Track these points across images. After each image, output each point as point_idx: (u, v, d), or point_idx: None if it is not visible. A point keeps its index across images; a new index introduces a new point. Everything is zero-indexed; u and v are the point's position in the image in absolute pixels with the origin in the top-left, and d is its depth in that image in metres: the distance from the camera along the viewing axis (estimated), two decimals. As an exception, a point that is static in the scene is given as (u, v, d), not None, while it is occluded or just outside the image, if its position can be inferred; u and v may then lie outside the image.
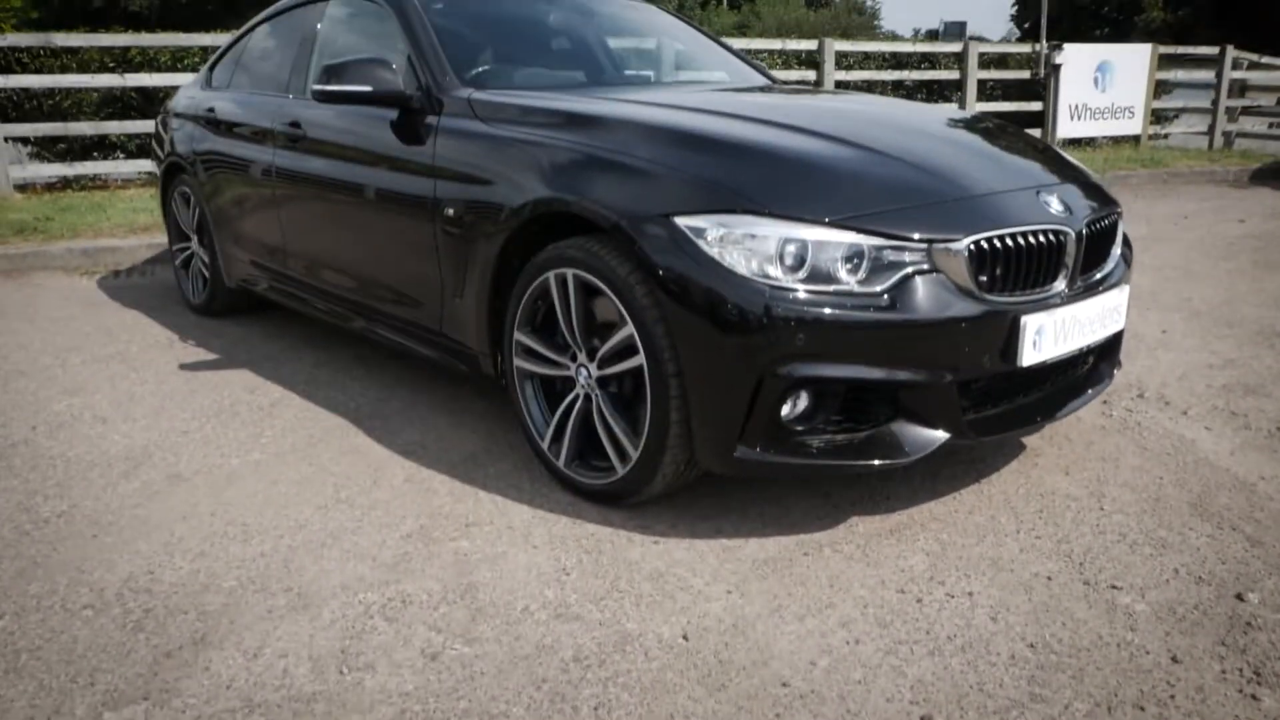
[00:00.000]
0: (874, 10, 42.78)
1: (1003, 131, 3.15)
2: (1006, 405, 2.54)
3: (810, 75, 9.87)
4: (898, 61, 10.73)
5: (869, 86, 10.66)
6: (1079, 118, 11.17)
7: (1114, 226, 2.77)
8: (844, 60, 10.33)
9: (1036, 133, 11.47)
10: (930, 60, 10.87)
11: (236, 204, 4.11)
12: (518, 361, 2.75)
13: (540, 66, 3.63)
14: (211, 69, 4.68)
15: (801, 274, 2.21)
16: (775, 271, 2.20)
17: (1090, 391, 2.75)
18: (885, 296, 2.23)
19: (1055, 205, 2.52)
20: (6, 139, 7.08)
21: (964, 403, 2.40)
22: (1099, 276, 2.64)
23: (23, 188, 7.41)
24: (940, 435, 2.37)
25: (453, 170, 2.88)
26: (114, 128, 7.46)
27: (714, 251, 2.22)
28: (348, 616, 2.11)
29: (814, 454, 2.31)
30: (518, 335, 2.72)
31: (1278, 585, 2.22)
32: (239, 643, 2.02)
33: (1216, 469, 2.86)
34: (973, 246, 2.30)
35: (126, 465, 2.92)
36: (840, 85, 10.38)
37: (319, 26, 3.82)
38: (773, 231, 2.21)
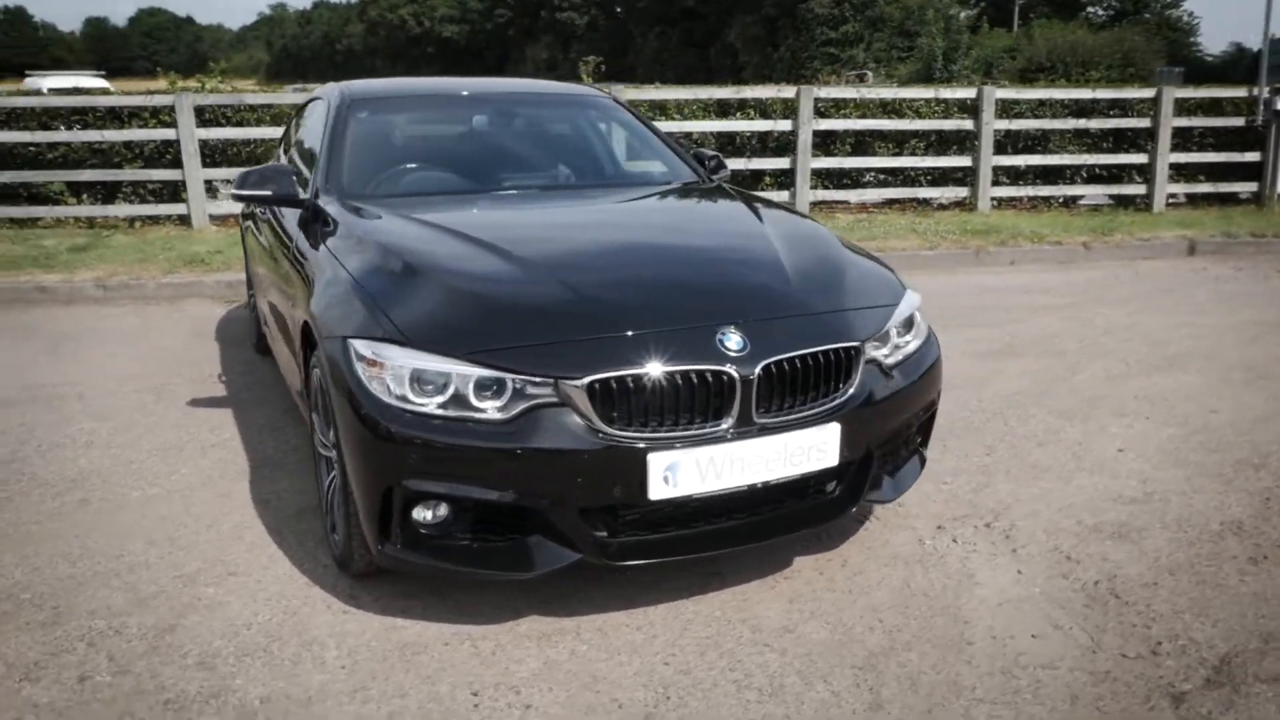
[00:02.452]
0: (1190, 26, 38.68)
1: (760, 253, 3.18)
2: (660, 534, 2.66)
3: (968, 125, 9.48)
4: (1080, 109, 9.98)
5: (1043, 138, 10.03)
6: (1306, 170, 9.82)
7: (839, 361, 2.76)
8: (1012, 108, 9.79)
9: (1250, 187, 10.23)
10: (1121, 107, 10.00)
11: (254, 259, 4.94)
12: (316, 438, 3.22)
13: (438, 172, 4.08)
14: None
15: (438, 399, 2.50)
16: (412, 395, 2.52)
17: (814, 523, 2.80)
18: (511, 425, 2.48)
19: (733, 342, 2.60)
20: (207, 182, 8.61)
21: (600, 528, 2.57)
22: (802, 413, 2.67)
23: (220, 220, 8.97)
24: (570, 555, 2.56)
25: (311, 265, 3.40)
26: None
27: (363, 373, 2.57)
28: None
29: (450, 558, 2.59)
30: (312, 414, 3.19)
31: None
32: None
33: (956, 621, 2.76)
34: (597, 384, 2.48)
35: (63, 486, 3.72)
36: (1009, 136, 9.87)
37: (301, 128, 4.54)
38: (406, 361, 2.52)
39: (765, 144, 9.74)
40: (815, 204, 9.85)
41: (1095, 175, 10.35)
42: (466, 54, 74.60)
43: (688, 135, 9.31)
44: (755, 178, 9.60)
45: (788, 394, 2.67)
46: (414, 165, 4.07)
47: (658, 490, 2.53)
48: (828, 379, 2.74)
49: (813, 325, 2.79)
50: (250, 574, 3.03)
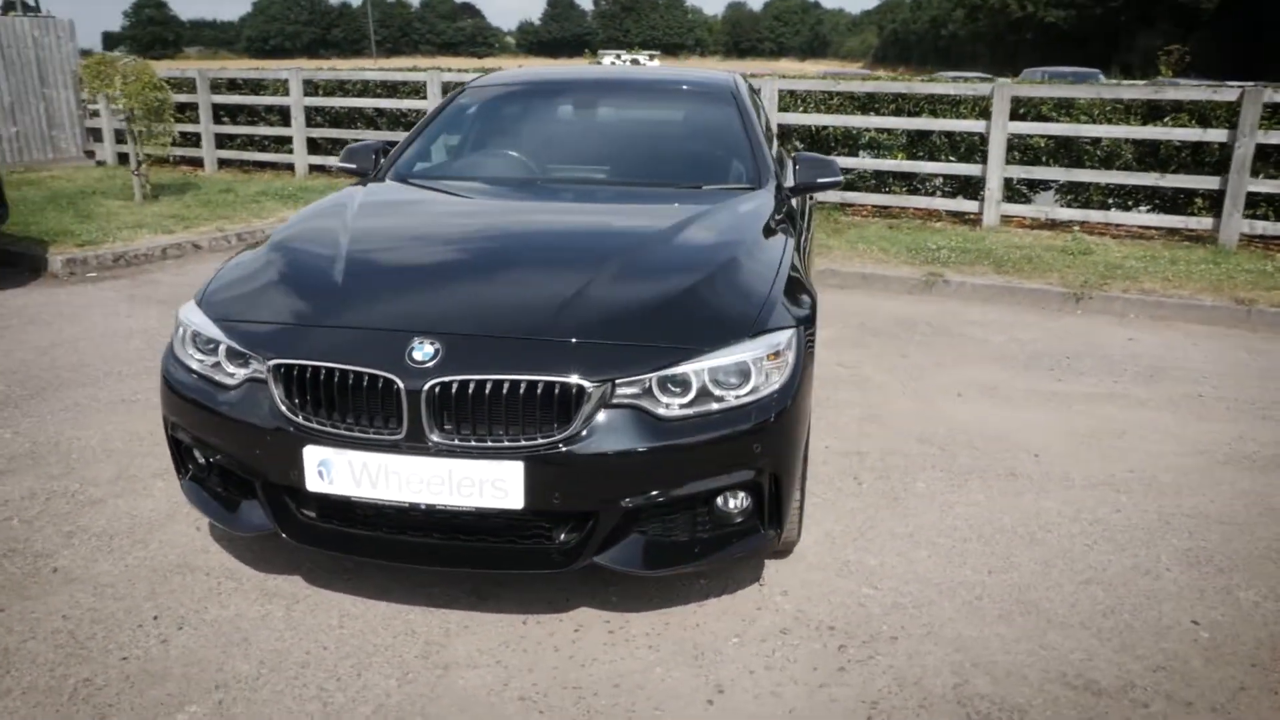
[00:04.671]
0: None
1: (601, 270, 2.88)
2: (350, 529, 2.67)
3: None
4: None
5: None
6: None
7: (552, 396, 2.47)
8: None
9: None
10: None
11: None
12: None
13: (493, 158, 4.23)
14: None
15: (210, 360, 2.80)
16: (191, 352, 2.84)
17: (521, 567, 2.61)
18: (234, 394, 2.71)
19: (420, 353, 2.51)
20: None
21: (296, 504, 2.68)
22: (483, 444, 2.48)
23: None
24: (265, 523, 2.72)
25: None
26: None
27: (175, 330, 2.96)
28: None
29: (204, 502, 2.89)
30: None
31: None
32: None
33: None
34: (282, 368, 2.58)
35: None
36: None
37: None
38: (190, 321, 2.85)
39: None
40: None
41: None
42: (1068, 41, 69.21)
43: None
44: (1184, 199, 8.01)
45: (481, 419, 2.49)
46: (473, 151, 4.31)
47: (314, 482, 2.56)
48: (531, 412, 2.48)
49: (540, 352, 2.53)
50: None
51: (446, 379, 2.47)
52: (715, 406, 2.58)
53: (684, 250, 3.08)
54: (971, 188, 9.01)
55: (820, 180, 3.98)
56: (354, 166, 4.21)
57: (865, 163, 9.27)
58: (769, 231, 3.34)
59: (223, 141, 12.50)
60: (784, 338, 2.74)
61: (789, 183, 4.00)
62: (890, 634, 2.75)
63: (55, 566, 3.02)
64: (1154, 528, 3.45)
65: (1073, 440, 4.27)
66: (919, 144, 9.26)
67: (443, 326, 2.60)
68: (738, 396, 2.61)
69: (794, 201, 4.04)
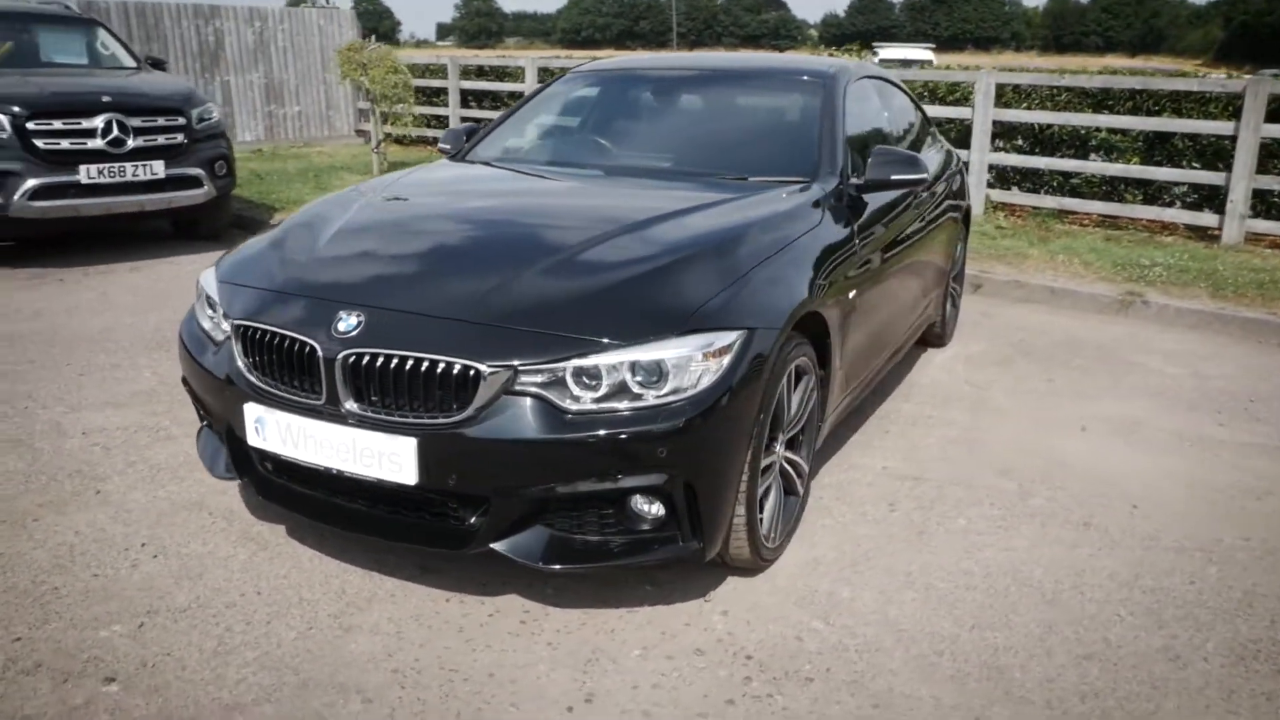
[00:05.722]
0: None
1: (562, 257, 2.83)
2: (297, 489, 2.81)
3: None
4: None
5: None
6: None
7: (451, 377, 2.47)
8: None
9: None
10: None
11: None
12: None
13: (564, 143, 4.23)
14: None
15: (208, 314, 3.07)
16: (200, 314, 3.10)
17: (431, 544, 2.65)
18: (216, 347, 2.94)
19: (343, 324, 2.59)
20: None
21: (259, 457, 2.86)
22: (387, 416, 2.53)
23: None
24: (227, 474, 2.94)
25: None
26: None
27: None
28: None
29: (200, 445, 3.16)
30: None
31: None
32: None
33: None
34: (240, 327, 2.77)
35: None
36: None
37: None
38: (205, 286, 3.11)
39: None
40: None
41: None
42: None
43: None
44: None
45: (389, 393, 2.53)
46: (543, 137, 4.33)
47: (252, 437, 2.73)
48: (433, 391, 2.49)
49: (449, 333, 2.52)
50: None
51: (359, 350, 2.54)
52: (624, 404, 2.46)
53: (648, 241, 2.94)
54: (1216, 199, 7.84)
55: (894, 178, 3.64)
56: (448, 147, 4.39)
57: (1087, 166, 8.32)
58: (777, 228, 3.11)
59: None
60: (726, 339, 2.56)
61: (859, 179, 3.69)
62: (808, 675, 2.50)
63: (99, 489, 3.42)
64: (1227, 609, 2.87)
65: (1195, 496, 3.63)
66: (1158, 147, 8.18)
67: (371, 300, 2.66)
68: (658, 396, 2.48)
69: (873, 198, 3.73)
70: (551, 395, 2.46)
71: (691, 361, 2.50)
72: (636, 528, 2.58)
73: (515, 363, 2.46)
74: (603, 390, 2.47)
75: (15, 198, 6.41)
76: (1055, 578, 3.02)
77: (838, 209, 3.47)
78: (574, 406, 2.45)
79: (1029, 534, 3.30)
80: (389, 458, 2.51)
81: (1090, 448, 4.09)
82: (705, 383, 2.51)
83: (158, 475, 3.54)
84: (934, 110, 8.96)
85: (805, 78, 4.09)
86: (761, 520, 2.89)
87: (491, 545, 2.55)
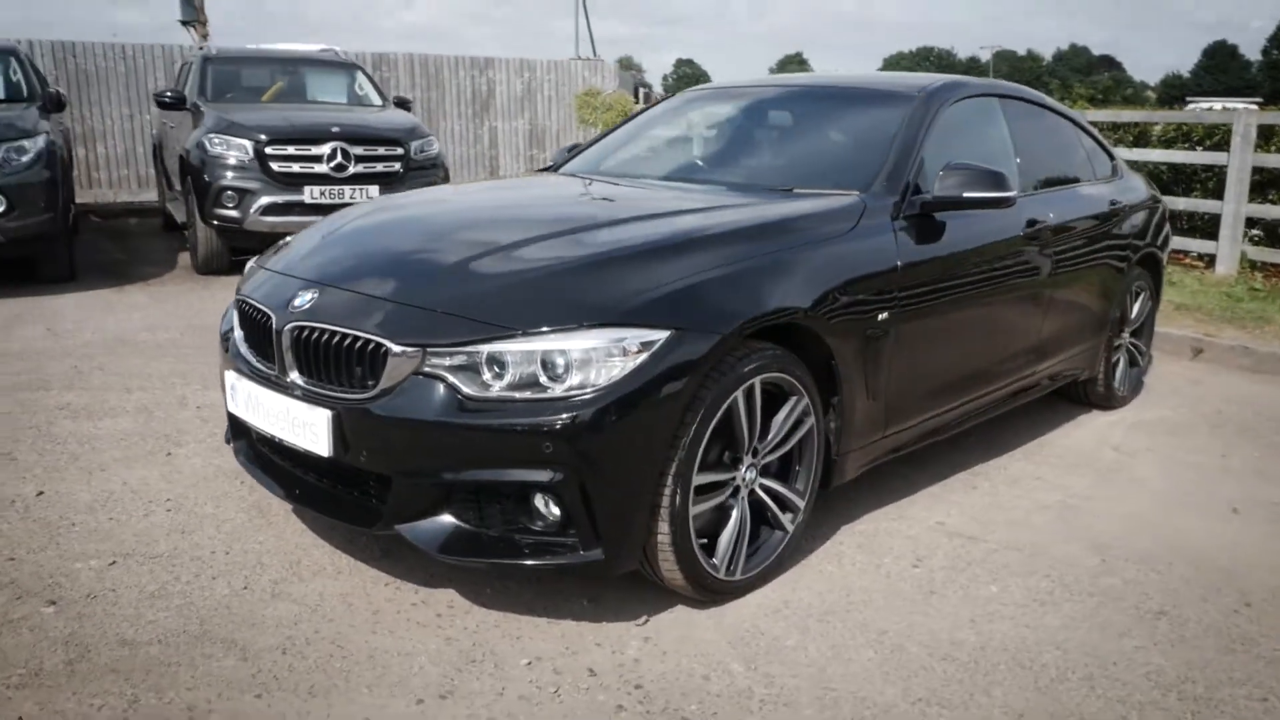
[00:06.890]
0: None
1: (522, 246, 2.79)
2: (268, 457, 2.94)
3: None
4: None
5: None
6: None
7: (363, 353, 2.50)
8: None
9: None
10: None
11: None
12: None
13: (648, 156, 4.14)
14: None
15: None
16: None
17: (348, 519, 2.66)
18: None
19: (299, 300, 2.70)
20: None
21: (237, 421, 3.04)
22: (312, 387, 2.60)
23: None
24: (227, 441, 3.14)
25: None
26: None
27: None
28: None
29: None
30: None
31: None
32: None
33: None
34: (237, 300, 2.99)
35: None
36: None
37: None
38: (249, 265, 3.37)
39: None
40: None
41: None
42: None
43: None
44: None
45: (321, 366, 2.60)
46: (629, 150, 4.26)
47: (230, 403, 2.89)
48: (351, 367, 2.53)
49: (374, 311, 2.55)
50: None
51: (302, 324, 2.63)
52: (525, 395, 2.36)
53: (602, 238, 2.80)
54: None
55: (966, 195, 3.24)
56: (552, 162, 4.49)
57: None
58: (767, 236, 2.86)
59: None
60: (647, 337, 2.39)
61: (928, 196, 3.31)
62: (686, 717, 2.22)
63: (171, 452, 3.78)
64: (1288, 736, 2.22)
65: (1333, 601, 2.88)
66: None
67: (329, 279, 2.76)
68: (564, 390, 2.36)
69: (960, 222, 3.35)
70: (458, 380, 2.40)
71: (604, 356, 2.35)
72: (534, 527, 2.44)
73: (425, 343, 2.43)
74: (511, 379, 2.38)
75: (251, 212, 7.33)
76: (1071, 664, 2.49)
77: (880, 225, 3.14)
78: (475, 393, 2.38)
79: (1072, 613, 2.75)
80: (309, 428, 2.57)
81: (1229, 532, 3.35)
82: (611, 379, 2.34)
83: (224, 446, 3.85)
84: (1189, 157, 7.91)
85: (898, 93, 3.75)
86: (715, 546, 2.65)
87: (396, 527, 2.52)
